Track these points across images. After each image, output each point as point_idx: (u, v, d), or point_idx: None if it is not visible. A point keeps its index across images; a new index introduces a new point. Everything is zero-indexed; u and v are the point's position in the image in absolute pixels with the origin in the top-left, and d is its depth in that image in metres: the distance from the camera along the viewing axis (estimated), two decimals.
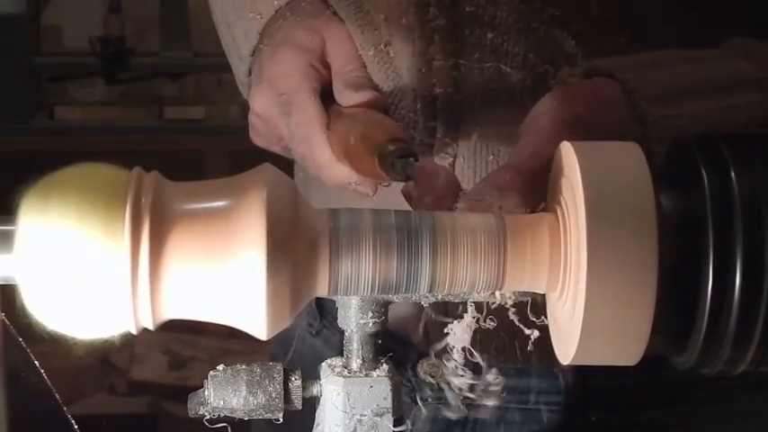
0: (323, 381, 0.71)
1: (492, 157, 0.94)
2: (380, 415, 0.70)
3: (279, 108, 0.91)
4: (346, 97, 0.90)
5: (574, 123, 0.75)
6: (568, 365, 0.99)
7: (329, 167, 0.87)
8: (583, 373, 1.01)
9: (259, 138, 0.97)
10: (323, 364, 0.72)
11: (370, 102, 0.89)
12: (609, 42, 0.85)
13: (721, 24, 0.87)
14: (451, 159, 0.95)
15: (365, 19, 0.96)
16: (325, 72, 0.92)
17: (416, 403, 0.77)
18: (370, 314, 0.71)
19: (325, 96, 0.92)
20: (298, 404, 0.71)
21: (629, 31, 0.88)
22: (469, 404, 0.71)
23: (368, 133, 0.83)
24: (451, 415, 0.71)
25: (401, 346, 0.96)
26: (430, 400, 0.75)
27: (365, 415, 0.70)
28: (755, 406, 1.02)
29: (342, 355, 0.72)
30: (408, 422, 0.71)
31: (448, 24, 0.91)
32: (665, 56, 0.83)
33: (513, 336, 0.98)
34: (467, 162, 0.94)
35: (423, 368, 0.71)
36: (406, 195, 0.77)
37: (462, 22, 0.91)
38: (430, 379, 0.71)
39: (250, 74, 0.98)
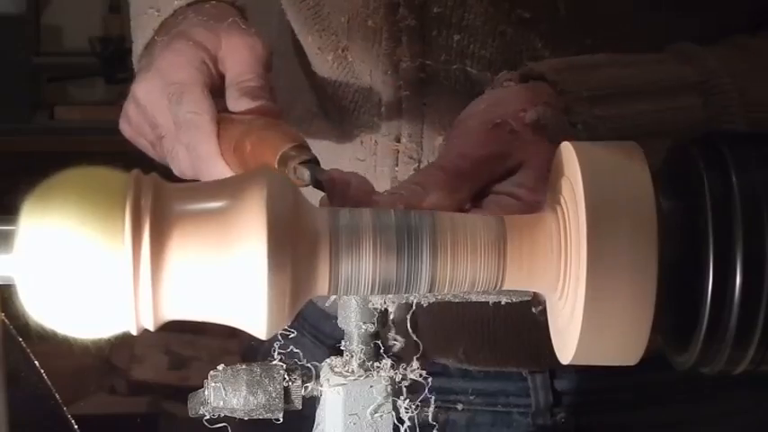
0: (323, 381, 0.71)
1: None
2: (380, 415, 0.70)
3: (167, 97, 0.88)
4: (242, 104, 0.87)
5: (501, 126, 0.75)
6: (535, 369, 1.00)
7: (209, 161, 0.85)
8: (551, 376, 1.01)
9: (128, 128, 0.94)
10: (323, 363, 0.72)
11: (265, 109, 0.86)
12: (577, 44, 0.85)
13: (690, 25, 0.86)
14: (416, 164, 0.94)
15: (323, 23, 0.95)
16: (216, 75, 0.89)
17: None
18: (370, 314, 0.71)
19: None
20: (298, 404, 0.71)
21: (598, 33, 0.87)
22: (438, 407, 0.71)
23: (266, 139, 0.81)
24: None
25: None
26: None
27: (365, 415, 0.70)
28: (733, 407, 1.02)
29: (313, 361, 0.72)
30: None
31: (417, 25, 0.90)
32: (602, 58, 0.82)
33: (483, 338, 0.99)
34: None
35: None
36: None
37: (430, 24, 0.90)
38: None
39: None
